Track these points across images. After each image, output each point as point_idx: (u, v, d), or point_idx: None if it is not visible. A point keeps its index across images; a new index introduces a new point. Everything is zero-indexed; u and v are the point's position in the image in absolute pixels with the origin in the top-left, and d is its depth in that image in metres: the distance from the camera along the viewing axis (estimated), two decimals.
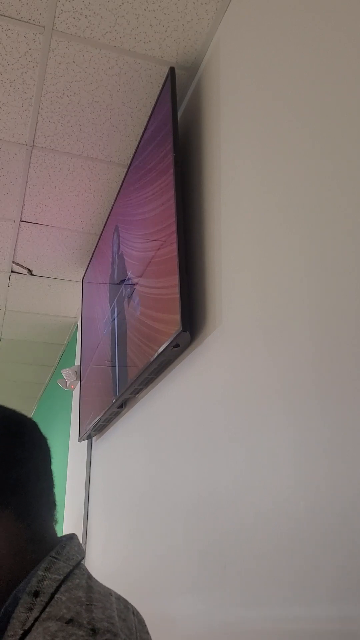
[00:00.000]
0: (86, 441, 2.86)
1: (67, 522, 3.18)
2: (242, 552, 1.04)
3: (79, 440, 2.73)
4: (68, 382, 3.09)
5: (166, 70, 1.65)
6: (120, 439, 2.14)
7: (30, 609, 0.53)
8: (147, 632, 0.59)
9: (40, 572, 0.57)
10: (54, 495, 0.67)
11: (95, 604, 0.54)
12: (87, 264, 2.88)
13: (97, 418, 2.24)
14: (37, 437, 0.66)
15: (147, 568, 1.60)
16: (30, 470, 0.62)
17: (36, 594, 0.55)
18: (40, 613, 0.53)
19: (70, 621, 0.50)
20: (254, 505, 1.02)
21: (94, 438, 2.77)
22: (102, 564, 2.17)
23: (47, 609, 0.53)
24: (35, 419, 6.21)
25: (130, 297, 1.85)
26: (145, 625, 0.60)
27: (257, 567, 0.98)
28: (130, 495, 1.88)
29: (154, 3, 1.43)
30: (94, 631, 0.49)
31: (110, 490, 2.21)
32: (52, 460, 0.70)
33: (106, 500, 2.26)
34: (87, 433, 2.54)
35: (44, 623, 0.51)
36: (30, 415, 6.71)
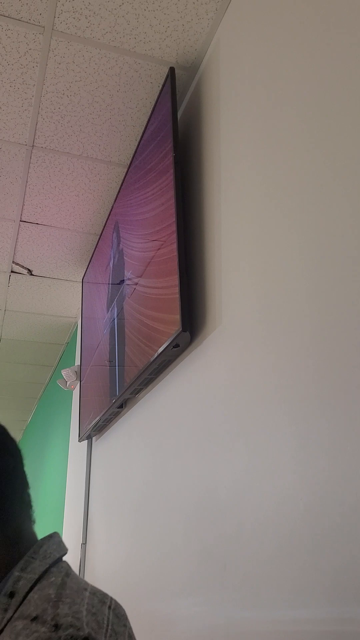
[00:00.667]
0: (86, 441, 2.86)
1: (67, 523, 3.18)
2: (242, 552, 1.04)
3: (79, 440, 2.73)
4: (68, 382, 3.09)
5: (166, 70, 1.65)
6: (120, 439, 2.14)
7: (5, 610, 0.54)
8: (125, 625, 0.59)
9: (16, 573, 0.57)
10: (29, 496, 0.67)
11: (64, 600, 0.54)
12: (87, 264, 2.88)
13: (97, 418, 2.24)
14: (9, 441, 0.67)
15: (147, 568, 1.60)
16: (3, 471, 0.63)
17: (11, 595, 0.55)
18: (14, 613, 0.53)
19: (35, 619, 0.51)
20: (254, 505, 1.02)
21: (94, 438, 2.77)
22: (102, 564, 2.17)
23: (20, 609, 0.54)
24: (35, 419, 6.22)
25: (130, 297, 1.85)
26: (124, 619, 0.60)
27: (257, 568, 0.98)
28: (130, 495, 1.88)
29: (154, 3, 1.43)
30: (56, 627, 0.50)
31: (110, 490, 2.21)
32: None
33: (106, 500, 2.26)
34: (87, 433, 2.54)
35: (13, 623, 0.52)
36: (30, 415, 6.72)
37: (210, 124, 1.48)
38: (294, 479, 0.90)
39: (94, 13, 1.46)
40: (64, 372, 3.09)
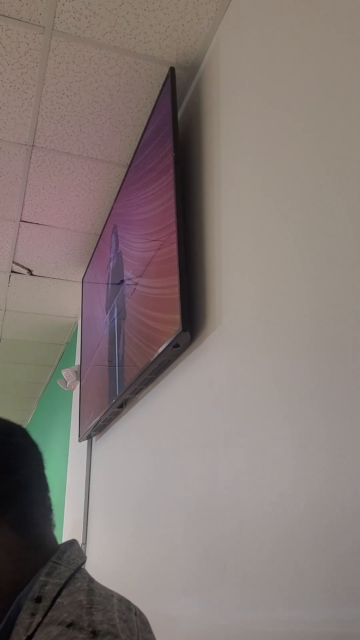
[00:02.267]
0: (86, 441, 2.86)
1: (67, 523, 3.18)
2: (242, 552, 1.04)
3: (79, 440, 2.73)
4: (68, 382, 3.09)
5: (166, 70, 1.65)
6: (120, 439, 2.14)
7: (33, 615, 0.54)
8: (150, 632, 0.59)
9: (42, 578, 0.57)
10: (49, 500, 0.67)
11: (96, 607, 0.54)
12: (87, 264, 2.88)
13: (97, 418, 2.24)
14: (27, 445, 0.67)
15: (147, 568, 1.60)
16: (23, 479, 0.63)
17: (38, 599, 0.55)
18: (43, 618, 0.53)
19: (70, 625, 0.51)
20: (254, 505, 1.02)
21: (94, 438, 2.77)
22: (102, 564, 2.17)
23: (49, 614, 0.53)
24: (35, 419, 6.22)
25: (130, 297, 1.85)
26: (148, 625, 0.60)
27: (257, 567, 0.98)
28: (130, 495, 1.88)
29: (154, 3, 1.43)
30: (94, 633, 0.49)
31: (110, 490, 2.21)
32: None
33: (106, 500, 2.26)
34: (87, 433, 2.54)
35: (45, 628, 0.52)
36: (30, 415, 6.72)
37: (210, 124, 1.48)
38: (294, 479, 0.90)
39: (94, 13, 1.46)
40: (64, 372, 3.09)
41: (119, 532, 1.96)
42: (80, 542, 2.60)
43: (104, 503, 2.29)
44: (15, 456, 0.63)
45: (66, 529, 3.17)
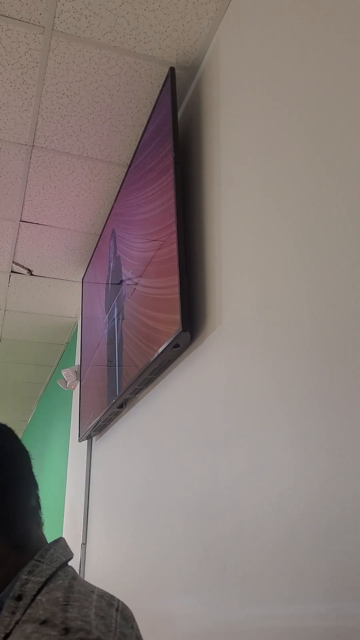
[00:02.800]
0: (86, 441, 2.86)
1: (67, 523, 3.18)
2: (242, 552, 1.04)
3: (79, 440, 2.73)
4: (68, 382, 3.09)
5: (166, 70, 1.65)
6: (120, 439, 2.14)
7: (13, 613, 0.54)
8: (132, 627, 0.59)
9: (23, 576, 0.58)
10: (36, 497, 0.67)
11: (72, 604, 0.54)
12: (87, 264, 2.88)
13: (97, 418, 2.24)
14: (8, 444, 0.67)
15: (147, 568, 1.60)
16: (4, 478, 0.63)
17: (19, 598, 0.55)
18: (22, 616, 0.54)
19: (44, 622, 0.51)
20: (254, 505, 1.02)
21: (94, 438, 2.77)
22: (102, 564, 2.17)
23: (28, 611, 0.54)
24: (35, 419, 6.21)
25: (130, 297, 1.85)
26: (132, 620, 0.60)
27: (257, 567, 0.98)
28: (130, 495, 1.88)
29: (154, 3, 1.43)
30: (66, 630, 0.50)
31: (110, 490, 2.21)
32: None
33: (106, 500, 2.26)
34: (87, 433, 2.54)
35: (22, 625, 0.52)
36: (30, 415, 6.72)
37: (210, 124, 1.48)
38: (294, 479, 0.90)
39: (94, 13, 1.46)
40: (64, 372, 3.09)
41: (119, 532, 1.96)
42: (80, 542, 2.60)
43: (104, 503, 2.29)
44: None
45: (66, 529, 3.16)
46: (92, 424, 2.35)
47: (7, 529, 0.61)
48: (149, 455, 1.70)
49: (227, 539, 1.11)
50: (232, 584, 1.07)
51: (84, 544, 2.57)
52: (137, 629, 0.61)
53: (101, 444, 2.53)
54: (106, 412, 2.11)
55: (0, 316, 3.54)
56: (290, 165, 1.02)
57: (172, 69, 1.56)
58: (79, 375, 2.95)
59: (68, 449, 3.55)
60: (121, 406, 2.11)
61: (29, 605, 0.55)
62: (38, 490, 0.69)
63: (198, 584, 1.22)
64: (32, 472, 0.68)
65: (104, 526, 2.24)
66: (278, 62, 1.11)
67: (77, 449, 3.18)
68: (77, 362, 3.28)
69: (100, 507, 2.37)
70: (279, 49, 1.11)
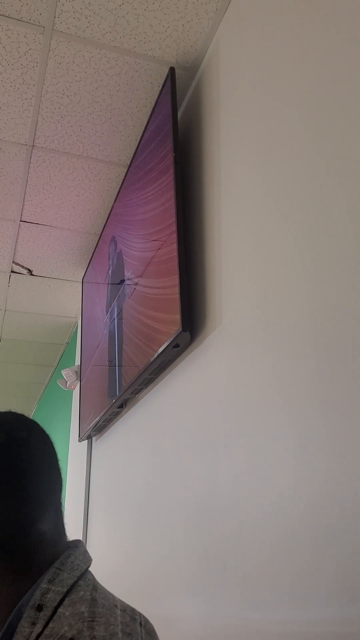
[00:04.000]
0: (86, 441, 2.86)
1: (67, 523, 3.17)
2: (242, 552, 1.04)
3: (79, 441, 2.73)
4: (68, 382, 3.09)
5: (166, 70, 1.65)
6: (120, 439, 2.14)
7: (33, 624, 0.53)
8: None
9: (43, 585, 0.56)
10: (60, 497, 0.66)
11: (98, 620, 0.53)
12: (87, 264, 2.88)
13: (97, 418, 2.24)
14: (40, 445, 0.65)
15: (147, 568, 1.60)
16: (34, 478, 0.62)
17: (39, 608, 0.54)
18: (43, 628, 0.52)
19: None
20: (254, 505, 1.02)
21: (94, 438, 2.77)
22: (102, 564, 2.17)
23: (50, 625, 0.52)
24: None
25: (130, 297, 1.85)
26: (154, 635, 0.59)
27: (257, 568, 0.98)
28: (130, 495, 1.88)
29: (154, 3, 1.43)
30: None
31: (110, 490, 2.21)
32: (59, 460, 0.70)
33: (106, 500, 2.26)
34: (87, 433, 2.54)
35: None
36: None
37: (210, 124, 1.48)
38: (294, 479, 0.90)
39: (94, 13, 1.46)
40: (64, 372, 3.09)
41: (119, 532, 1.96)
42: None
43: (104, 503, 2.29)
44: (32, 454, 0.63)
45: (66, 529, 3.16)
46: (92, 424, 2.35)
47: (32, 529, 0.60)
48: (149, 455, 1.70)
49: (227, 539, 1.11)
50: (232, 584, 1.07)
51: (84, 544, 2.56)
52: None
53: (101, 444, 2.53)
54: (106, 412, 2.11)
55: (0, 316, 3.54)
56: (290, 165, 1.02)
57: (172, 69, 1.56)
58: (79, 375, 2.95)
59: (68, 449, 3.55)
60: (121, 406, 2.11)
61: (50, 617, 0.53)
62: (62, 489, 0.68)
63: (198, 584, 1.22)
64: (60, 473, 0.67)
65: (104, 526, 2.24)
66: (278, 62, 1.11)
67: (77, 449, 3.18)
68: (77, 362, 3.28)
69: (100, 507, 2.37)
70: (279, 49, 1.11)
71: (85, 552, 0.64)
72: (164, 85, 1.61)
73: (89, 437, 2.74)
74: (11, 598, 0.57)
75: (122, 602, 0.60)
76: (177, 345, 1.42)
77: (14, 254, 2.74)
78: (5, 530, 0.59)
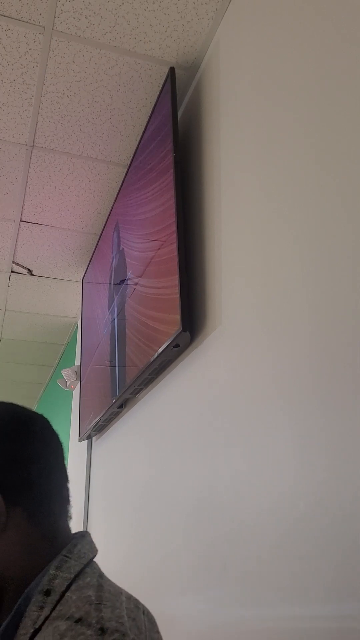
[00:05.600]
0: (86, 441, 2.86)
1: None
2: (242, 552, 1.04)
3: (79, 440, 2.73)
4: (68, 382, 3.09)
5: (166, 70, 1.65)
6: (120, 439, 2.14)
7: (41, 608, 0.54)
8: (158, 632, 0.59)
9: (51, 571, 0.57)
10: (67, 491, 0.67)
11: (105, 603, 0.54)
12: (87, 264, 2.88)
13: (97, 418, 2.24)
14: (47, 434, 0.66)
15: (147, 568, 1.60)
16: (40, 468, 0.63)
17: (47, 593, 0.55)
18: (51, 612, 0.54)
19: (79, 620, 0.51)
20: (254, 505, 1.02)
21: (94, 438, 2.77)
22: (102, 564, 2.17)
23: (58, 608, 0.54)
24: None
25: (130, 297, 1.85)
26: (156, 625, 0.60)
27: (257, 567, 0.98)
28: (130, 495, 1.88)
29: (154, 3, 1.43)
30: (102, 630, 0.50)
31: (110, 490, 2.21)
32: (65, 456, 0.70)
33: (106, 500, 2.26)
34: (87, 433, 2.54)
35: (54, 622, 0.52)
36: None
37: (210, 124, 1.48)
38: (294, 478, 0.90)
39: (94, 13, 1.46)
40: (64, 372, 3.09)
41: (119, 532, 1.97)
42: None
43: (104, 503, 2.29)
44: (35, 446, 0.63)
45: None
46: (92, 424, 2.35)
47: (39, 517, 0.61)
48: (149, 455, 1.70)
49: (227, 539, 1.11)
50: (232, 584, 1.07)
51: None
52: (160, 634, 0.61)
53: (101, 444, 2.53)
54: (106, 412, 2.11)
55: (0, 316, 3.54)
56: (290, 165, 1.02)
57: (172, 69, 1.56)
58: (79, 375, 2.95)
59: (68, 449, 3.55)
60: (121, 406, 2.11)
61: (58, 601, 0.54)
62: (69, 483, 0.68)
63: (198, 584, 1.22)
64: (65, 464, 0.68)
65: (104, 526, 2.24)
66: (278, 62, 1.11)
67: (77, 449, 3.18)
68: (77, 362, 3.28)
69: (100, 507, 2.37)
70: (278, 49, 1.11)
71: (92, 542, 0.66)
72: (164, 85, 1.61)
73: (89, 437, 2.74)
74: (21, 582, 0.59)
75: (126, 591, 0.61)
76: (177, 345, 1.42)
77: (14, 254, 2.74)
78: (36, 498, 0.61)
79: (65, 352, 4.24)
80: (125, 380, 1.81)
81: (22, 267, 2.88)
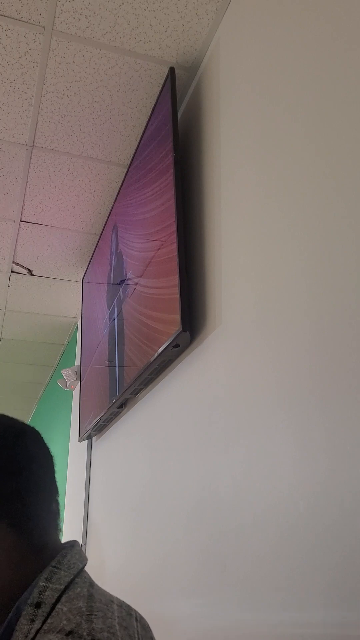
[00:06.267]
0: (86, 441, 2.86)
1: (68, 523, 3.17)
2: (242, 552, 1.04)
3: (79, 441, 2.73)
4: (68, 382, 3.09)
5: (166, 70, 1.65)
6: (120, 439, 2.14)
7: (32, 621, 0.53)
8: (152, 637, 0.59)
9: (41, 583, 0.57)
10: (57, 504, 0.67)
11: (96, 614, 0.54)
12: (87, 264, 2.88)
13: (97, 418, 2.24)
14: (35, 447, 0.66)
15: (147, 568, 1.60)
16: (26, 481, 0.62)
17: (38, 605, 0.55)
18: (42, 624, 0.53)
19: (70, 633, 0.50)
20: (254, 505, 1.02)
21: (94, 438, 2.77)
22: (102, 564, 2.17)
23: (49, 621, 0.53)
24: (35, 419, 6.22)
25: (130, 297, 1.85)
26: (150, 630, 0.60)
27: (257, 568, 0.98)
28: (130, 495, 1.88)
29: (154, 3, 1.43)
30: None
31: (110, 490, 2.21)
32: (55, 466, 0.70)
33: (106, 500, 2.26)
34: (87, 433, 2.54)
35: (45, 636, 0.51)
36: (30, 415, 6.71)
37: (210, 124, 1.48)
38: (294, 479, 0.90)
39: (94, 13, 1.46)
40: (64, 372, 3.09)
41: (119, 532, 1.96)
42: (80, 542, 2.60)
43: (104, 503, 2.29)
44: (20, 458, 0.63)
45: (66, 529, 3.16)
46: (92, 424, 2.35)
47: (26, 530, 0.61)
48: (149, 455, 1.70)
49: (227, 539, 1.11)
50: (232, 585, 1.07)
51: (84, 544, 2.57)
52: (155, 639, 0.61)
53: (101, 444, 2.53)
54: (106, 412, 2.11)
55: (0, 316, 3.54)
56: (290, 164, 1.02)
57: (172, 69, 1.56)
58: (79, 375, 2.95)
59: (68, 449, 3.55)
60: (121, 406, 2.11)
61: (49, 613, 0.54)
62: (58, 496, 0.68)
63: (198, 584, 1.22)
64: (54, 478, 0.68)
65: (103, 526, 2.24)
66: (278, 62, 1.11)
67: (77, 449, 3.18)
68: (77, 362, 3.28)
69: (100, 507, 2.37)
70: (278, 49, 1.11)
71: (81, 552, 0.65)
72: (164, 85, 1.61)
73: (89, 437, 2.74)
74: (10, 595, 0.58)
75: (118, 598, 0.61)
76: (177, 345, 1.42)
77: (14, 254, 2.74)
78: (22, 511, 0.61)
79: (65, 352, 4.24)
80: (125, 380, 1.81)
81: (22, 267, 2.88)
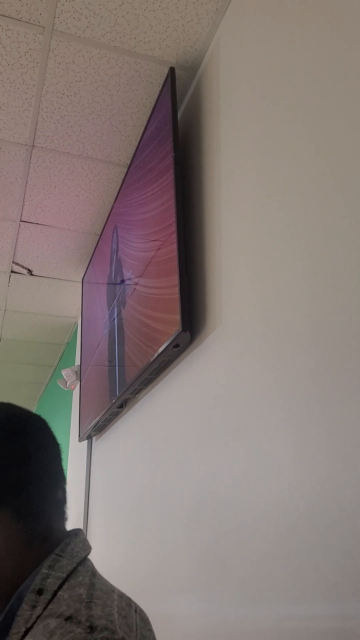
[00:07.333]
0: (86, 441, 2.86)
1: (67, 523, 3.17)
2: (242, 552, 1.04)
3: (79, 440, 2.73)
4: (68, 382, 3.09)
5: (166, 70, 1.65)
6: (120, 439, 2.14)
7: (33, 607, 0.54)
8: (150, 629, 0.60)
9: (44, 570, 0.58)
10: (64, 492, 0.67)
11: (96, 602, 0.54)
12: (87, 264, 2.88)
13: (97, 418, 2.24)
14: (42, 435, 0.66)
15: (147, 568, 1.60)
16: (32, 469, 0.62)
17: (40, 592, 0.55)
18: (43, 610, 0.54)
19: (69, 618, 0.51)
20: (254, 505, 1.02)
21: (94, 438, 2.77)
22: (102, 564, 2.17)
23: (49, 606, 0.54)
24: None
25: (130, 297, 1.85)
26: (149, 623, 0.60)
27: (257, 567, 0.98)
28: (130, 495, 1.88)
29: (154, 3, 1.43)
30: (91, 628, 0.50)
31: (110, 490, 2.21)
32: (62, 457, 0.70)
33: (106, 500, 2.26)
34: (87, 433, 2.54)
35: (44, 620, 0.52)
36: None
37: (210, 124, 1.48)
38: (294, 478, 0.90)
39: (94, 13, 1.46)
40: (64, 372, 3.09)
41: (119, 532, 1.97)
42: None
43: (104, 503, 2.29)
44: (27, 446, 0.63)
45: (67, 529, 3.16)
46: (92, 424, 2.35)
47: (30, 518, 0.61)
48: (149, 455, 1.70)
49: (227, 539, 1.11)
50: (232, 584, 1.07)
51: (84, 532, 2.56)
52: (153, 632, 0.61)
53: (101, 444, 2.53)
54: (106, 412, 2.11)
55: (0, 316, 3.54)
56: (290, 164, 1.02)
57: (172, 69, 1.56)
58: (79, 375, 2.95)
59: (68, 449, 3.55)
60: (121, 406, 2.11)
61: (50, 600, 0.55)
62: (65, 484, 0.68)
63: (198, 584, 1.22)
64: (61, 466, 0.68)
65: (104, 526, 2.24)
66: (278, 62, 1.11)
67: (77, 449, 3.18)
68: (77, 362, 3.28)
69: (100, 507, 2.37)
70: (278, 49, 1.11)
71: (85, 540, 0.66)
72: (164, 85, 1.61)
73: (89, 437, 2.74)
74: (14, 582, 0.59)
75: (119, 590, 0.62)
76: (177, 345, 1.42)
77: (14, 254, 2.74)
78: (27, 499, 0.61)
79: (65, 352, 4.24)
80: (125, 380, 1.81)
81: (22, 267, 2.88)
